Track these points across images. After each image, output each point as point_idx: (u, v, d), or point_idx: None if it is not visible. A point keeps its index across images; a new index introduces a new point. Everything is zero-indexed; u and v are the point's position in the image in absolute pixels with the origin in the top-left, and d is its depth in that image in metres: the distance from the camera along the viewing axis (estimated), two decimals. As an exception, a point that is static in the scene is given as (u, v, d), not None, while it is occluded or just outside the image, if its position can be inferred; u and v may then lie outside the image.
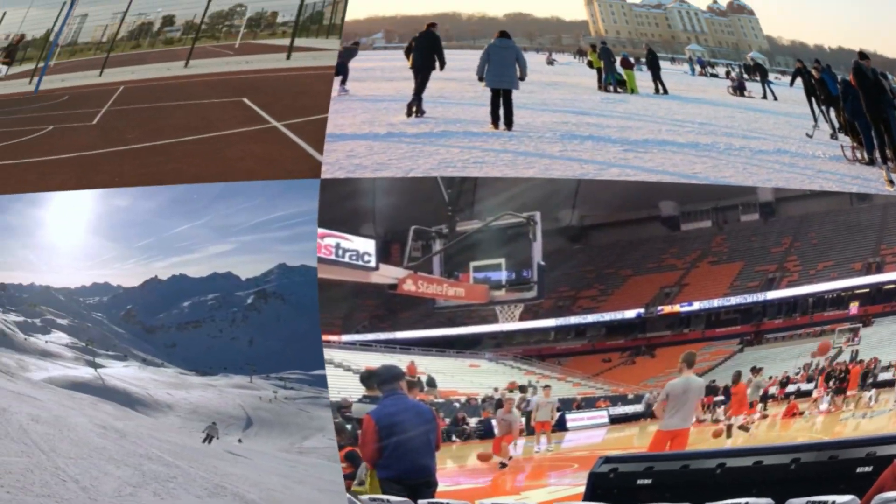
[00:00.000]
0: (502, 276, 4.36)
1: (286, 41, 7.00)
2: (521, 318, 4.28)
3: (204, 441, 4.97)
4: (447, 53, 5.91)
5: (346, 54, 6.57)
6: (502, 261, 4.42)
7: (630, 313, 5.00)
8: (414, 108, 5.82)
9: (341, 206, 4.68)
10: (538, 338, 4.98)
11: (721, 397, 4.29)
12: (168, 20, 7.63)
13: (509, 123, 5.54)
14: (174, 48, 7.52)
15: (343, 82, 6.23)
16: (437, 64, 5.76)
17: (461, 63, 6.12)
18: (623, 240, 5.52)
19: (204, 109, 6.97)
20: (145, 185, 5.77)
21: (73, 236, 5.86)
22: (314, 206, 4.55)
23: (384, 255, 4.48)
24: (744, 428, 4.25)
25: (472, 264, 4.48)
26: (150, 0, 7.41)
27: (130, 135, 6.46)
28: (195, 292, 5.92)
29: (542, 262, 4.36)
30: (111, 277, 5.94)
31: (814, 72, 5.52)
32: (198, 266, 5.81)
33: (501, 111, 5.53)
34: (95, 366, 5.80)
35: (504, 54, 5.67)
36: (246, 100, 6.76)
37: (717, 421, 4.38)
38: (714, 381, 4.55)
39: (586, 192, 5.17)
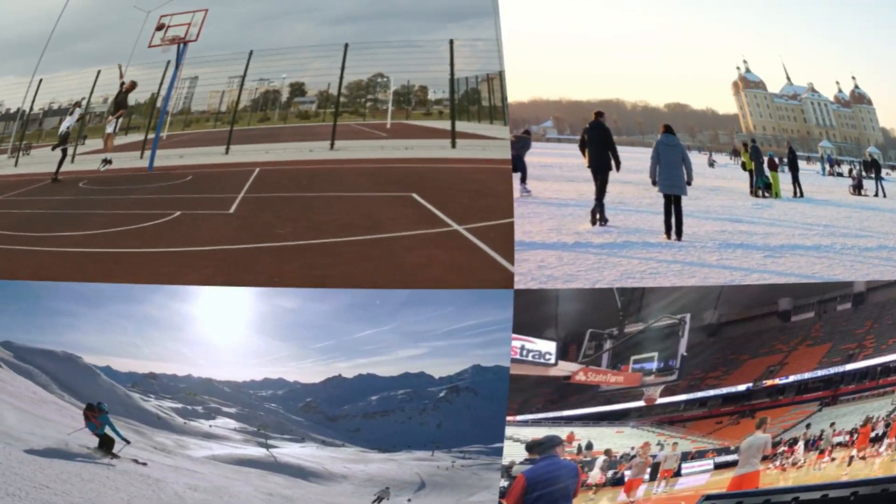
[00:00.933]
0: (653, 365, 7.55)
1: (444, 124, 9.35)
2: (661, 396, 7.75)
3: (374, 502, 7.42)
4: (620, 150, 8.84)
5: (520, 145, 9.10)
6: (655, 354, 7.54)
7: (741, 387, 8.77)
8: (597, 216, 8.72)
9: (529, 313, 7.14)
10: (671, 409, 8.64)
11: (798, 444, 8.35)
12: (297, 89, 9.78)
13: (680, 234, 8.59)
14: (311, 124, 9.67)
15: (523, 180, 9.07)
16: (613, 163, 8.65)
17: (634, 163, 9.13)
18: (747, 332, 9.02)
19: (367, 204, 8.85)
20: (312, 287, 7.62)
21: (233, 334, 7.82)
22: (508, 314, 7.02)
23: (562, 353, 7.27)
24: (862, 458, 7.91)
25: (633, 357, 7.59)
26: (271, 63, 9.73)
27: (282, 230, 8.38)
28: (384, 388, 8.19)
29: (685, 353, 7.48)
30: (286, 374, 8.04)
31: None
32: (387, 367, 8.02)
33: (673, 219, 8.54)
34: (268, 446, 8.09)
35: (672, 154, 8.69)
36: (416, 195, 8.82)
37: (795, 464, 8.32)
38: (782, 435, 8.50)
39: (727, 295, 8.40)
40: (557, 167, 9.87)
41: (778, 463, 8.58)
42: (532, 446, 6.00)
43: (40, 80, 10.16)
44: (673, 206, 8.70)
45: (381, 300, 7.45)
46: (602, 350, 7.58)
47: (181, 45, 9.84)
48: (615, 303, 7.60)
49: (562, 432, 8.24)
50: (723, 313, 8.97)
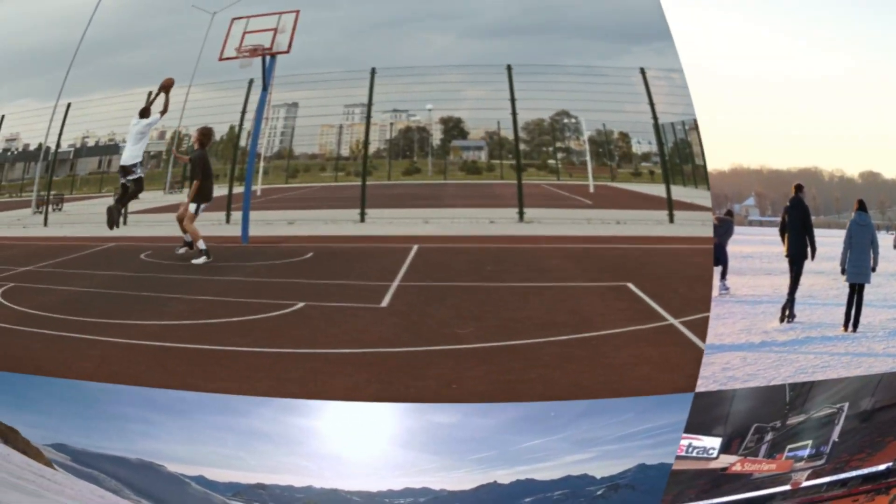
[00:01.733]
0: (806, 452, 10.01)
1: (657, 189, 10.20)
2: (807, 479, 10.16)
3: None
4: (816, 233, 12.16)
5: (723, 230, 12.33)
6: (810, 441, 9.99)
7: (881, 466, 11.06)
8: (787, 313, 12.40)
9: (703, 414, 9.38)
10: (813, 491, 10.62)
11: None
12: (454, 127, 10.40)
13: (857, 325, 12.10)
14: (485, 182, 10.39)
15: (723, 276, 12.49)
16: (809, 250, 12.30)
17: (828, 249, 12.58)
18: (894, 416, 11.00)
19: (574, 297, 9.93)
20: (497, 397, 8.72)
21: (371, 448, 9.14)
22: (684, 417, 9.22)
23: (725, 448, 9.67)
24: None
25: (788, 446, 10.02)
26: (405, 88, 10.25)
27: (463, 329, 9.29)
28: (542, 490, 9.67)
29: (837, 440, 9.92)
30: (432, 483, 9.39)
31: None
32: (549, 472, 9.65)
33: (853, 310, 11.93)
34: None
35: (862, 235, 12.32)
36: (631, 285, 10.05)
37: None
38: None
39: (886, 383, 10.69)
40: (758, 257, 13.66)
41: None
42: None
43: (68, 105, 11.06)
44: (855, 295, 12.31)
45: (557, 412, 9.11)
46: (763, 442, 10.01)
47: (267, 59, 10.54)
48: (784, 397, 10.16)
49: None
50: (878, 399, 11.32)
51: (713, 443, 9.65)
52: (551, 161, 10.70)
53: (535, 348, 9.34)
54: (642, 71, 10.52)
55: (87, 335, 9.68)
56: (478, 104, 10.74)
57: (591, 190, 10.86)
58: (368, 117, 10.57)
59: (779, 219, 12.61)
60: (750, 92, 11.67)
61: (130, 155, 10.83)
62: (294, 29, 10.53)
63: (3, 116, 11.22)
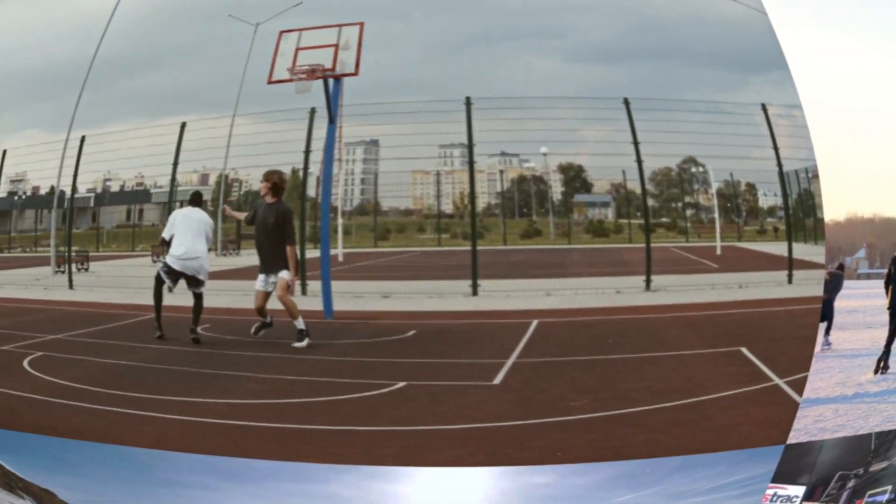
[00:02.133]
0: (885, 497, 11.61)
1: (779, 248, 11.52)
2: None
3: None
4: None
5: (833, 286, 15.05)
6: (889, 487, 11.67)
7: None
8: (881, 364, 15.42)
9: (791, 464, 11.44)
10: None
11: None
12: (575, 176, 10.73)
13: None
14: (613, 246, 10.88)
15: (827, 331, 15.08)
16: None
17: None
18: None
19: (689, 365, 11.86)
20: (599, 460, 10.25)
21: None
22: (773, 467, 11.20)
23: (808, 495, 11.56)
24: None
25: (869, 492, 11.86)
26: (507, 124, 10.40)
27: (577, 402, 10.54)
28: None
29: None
30: None
31: None
32: None
33: None
34: None
35: None
36: (744, 350, 12.34)
37: None
38: None
39: None
40: (861, 312, 15.40)
41: None
42: None
43: (82, 140, 11.49)
44: None
45: (652, 467, 10.53)
46: (845, 489, 11.64)
47: (330, 82, 10.59)
48: (869, 445, 12.01)
49: None
50: None
51: (797, 491, 11.31)
52: (680, 221, 12.04)
53: (645, 415, 11.13)
54: (764, 108, 11.93)
55: (138, 410, 10.63)
56: (598, 148, 11.77)
57: (718, 252, 12.35)
58: (471, 163, 11.08)
59: (885, 270, 14.74)
60: (865, 130, 12.62)
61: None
62: (360, 45, 10.75)
63: (4, 152, 11.83)
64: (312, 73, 10.29)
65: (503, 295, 11.40)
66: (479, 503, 10.51)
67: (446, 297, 11.35)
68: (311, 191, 10.73)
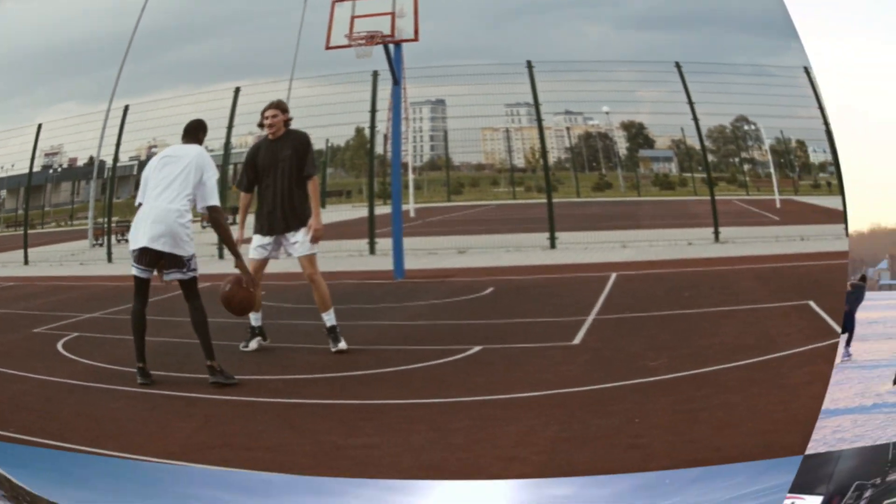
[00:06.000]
0: None
1: (834, 202, 9.70)
2: None
3: None
4: None
5: (854, 297, 11.51)
6: None
7: None
8: None
9: (809, 474, 8.75)
10: None
11: None
12: (637, 133, 9.51)
13: None
14: (680, 199, 9.60)
15: (848, 342, 11.63)
16: None
17: None
18: None
19: (761, 319, 9.60)
20: (677, 424, 8.01)
21: None
22: (791, 478, 8.49)
23: None
24: None
25: (885, 501, 9.23)
26: (568, 86, 9.11)
27: (655, 361, 8.53)
28: None
29: None
30: None
31: None
32: None
33: None
34: None
35: None
36: (812, 303, 9.83)
37: None
38: None
39: None
40: (881, 323, 12.07)
41: None
42: None
43: (125, 108, 9.01)
44: None
45: (671, 478, 8.18)
46: (861, 499, 9.25)
47: (391, 48, 8.96)
48: (887, 455, 9.54)
49: None
50: None
51: (814, 501, 8.91)
52: (739, 175, 9.98)
53: (721, 374, 8.70)
54: (807, 71, 9.77)
55: (185, 392, 8.10)
56: (656, 108, 9.87)
57: (778, 205, 10.34)
58: (539, 120, 9.31)
59: None
60: (890, 139, 10.97)
61: None
62: (416, 12, 9.02)
63: (40, 125, 9.34)
64: (371, 38, 8.80)
65: (581, 248, 9.52)
66: None
67: (524, 250, 9.49)
68: (379, 148, 8.98)
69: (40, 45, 8.95)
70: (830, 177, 10.06)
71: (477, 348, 8.59)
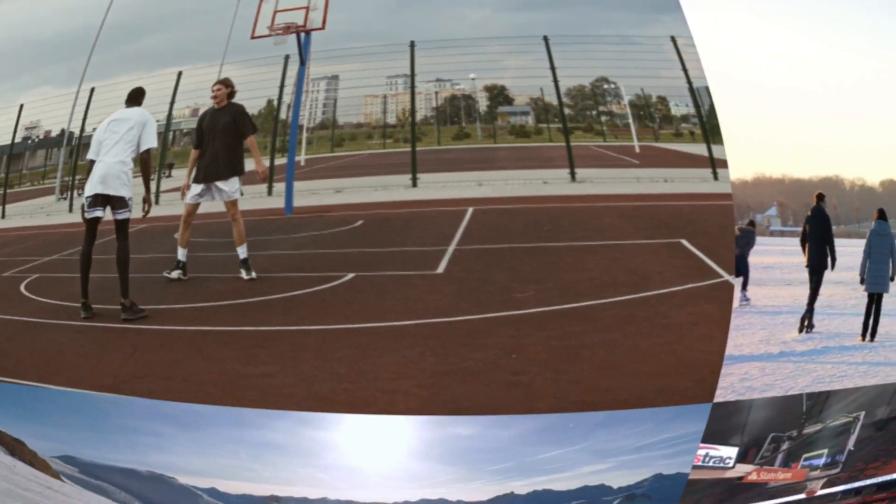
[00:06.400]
0: (822, 461, 9.38)
1: (699, 149, 9.77)
2: (821, 488, 9.53)
3: None
4: (836, 243, 11.03)
5: (745, 241, 11.25)
6: (826, 451, 9.33)
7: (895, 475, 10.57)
8: (805, 323, 11.13)
9: (721, 423, 8.79)
10: (828, 499, 10.11)
11: None
12: (498, 94, 9.92)
13: (874, 335, 10.96)
14: (535, 144, 9.87)
15: (744, 286, 11.27)
16: (830, 261, 11.04)
17: (849, 259, 11.41)
18: None
19: (630, 256, 9.49)
20: (557, 361, 8.13)
21: (387, 460, 8.54)
22: (702, 427, 8.64)
23: (742, 457, 8.99)
24: None
25: (804, 455, 9.40)
26: (446, 59, 9.76)
27: (522, 293, 8.72)
28: (557, 501, 9.22)
29: (853, 448, 9.27)
30: (448, 495, 8.92)
31: None
32: (566, 482, 9.24)
33: (871, 320, 10.97)
34: None
35: (882, 245, 11.28)
36: (685, 241, 9.58)
37: None
38: None
39: None
40: (778, 268, 12.10)
41: None
42: None
43: (92, 90, 10.18)
44: (874, 305, 11.40)
45: (575, 423, 8.74)
46: (779, 451, 9.54)
47: (302, 36, 10.07)
48: (801, 407, 9.65)
49: None
50: (894, 408, 10.96)
51: (730, 452, 9.15)
52: (597, 126, 10.33)
53: (596, 310, 8.86)
54: (673, 39, 10.13)
55: (118, 324, 8.86)
56: (519, 73, 10.32)
57: (637, 150, 10.54)
58: (413, 86, 10.10)
59: (800, 229, 11.80)
60: (772, 99, 11.21)
61: None
62: (327, 5, 10.04)
63: (21, 106, 10.31)
64: (288, 29, 9.83)
65: (439, 186, 10.00)
66: (404, 452, 8.73)
67: (390, 189, 10.09)
68: (283, 115, 9.98)
69: (24, 40, 9.95)
70: (694, 126, 9.99)
71: (351, 275, 8.96)
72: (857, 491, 10.49)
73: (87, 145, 9.93)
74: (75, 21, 10.13)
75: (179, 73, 9.91)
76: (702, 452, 8.89)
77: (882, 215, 11.56)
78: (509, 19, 10.19)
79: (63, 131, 10.07)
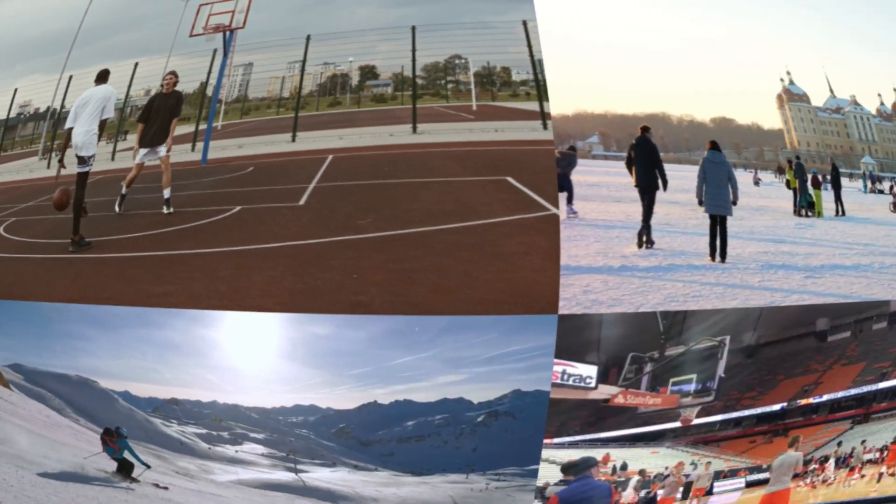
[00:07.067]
0: (692, 387, 9.13)
1: (533, 105, 10.54)
2: (697, 416, 9.38)
3: None
4: (667, 168, 10.41)
5: (566, 163, 10.82)
6: (694, 376, 9.09)
7: (776, 406, 10.35)
8: (644, 239, 10.29)
9: (572, 337, 8.39)
10: (706, 429, 10.12)
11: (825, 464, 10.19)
12: (368, 72, 11.22)
13: (724, 256, 10.21)
14: (389, 107, 11.13)
15: (569, 201, 10.63)
16: (660, 182, 10.24)
17: (682, 182, 10.77)
18: (784, 353, 10.36)
19: (458, 190, 10.08)
20: (394, 283, 8.49)
21: (262, 361, 8.86)
22: (551, 340, 8.32)
23: (603, 377, 8.62)
24: (892, 475, 9.53)
25: (672, 380, 9.10)
26: (334, 47, 11.09)
27: (362, 221, 9.40)
28: (421, 414, 9.60)
29: (723, 375, 9.07)
30: (318, 401, 9.25)
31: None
32: (426, 393, 9.34)
33: (718, 241, 9.95)
34: (296, 471, 9.55)
35: (718, 172, 10.51)
36: (511, 179, 10.11)
37: (825, 482, 10.01)
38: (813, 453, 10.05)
39: (766, 317, 9.74)
40: (605, 186, 11.51)
41: (808, 480, 10.13)
42: (567, 468, 7.44)
43: (70, 77, 11.62)
44: (718, 226, 10.49)
45: (421, 326, 8.69)
46: (642, 373, 9.21)
47: (228, 33, 11.62)
48: (657, 326, 9.30)
49: (598, 454, 9.97)
50: (761, 334, 10.51)
51: (589, 371, 8.67)
52: (443, 91, 11.11)
53: (428, 236, 8.88)
54: (524, 23, 10.69)
55: (66, 255, 9.50)
56: (388, 55, 11.41)
57: (474, 108, 11.12)
58: (303, 69, 11.41)
59: (624, 154, 11.18)
60: (604, 56, 11.39)
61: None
62: (248, 10, 11.45)
63: (16, 89, 11.94)
64: (217, 28, 11.58)
65: (311, 140, 11.24)
66: (274, 350, 8.87)
67: (275, 143, 11.43)
68: (209, 93, 11.67)
69: (18, 38, 11.76)
70: (531, 89, 10.55)
71: (238, 208, 9.83)
72: (737, 422, 10.18)
73: (65, 118, 12.04)
74: (59, 23, 11.69)
75: (136, 64, 11.34)
76: (559, 369, 8.43)
77: (715, 146, 10.79)
78: (390, 13, 11.25)
79: (48, 108, 11.57)
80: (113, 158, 11.68)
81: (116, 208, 10.78)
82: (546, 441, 9.67)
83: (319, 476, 9.84)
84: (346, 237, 9.35)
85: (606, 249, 10.53)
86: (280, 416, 9.78)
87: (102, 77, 11.11)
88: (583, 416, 10.38)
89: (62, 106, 12.00)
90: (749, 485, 10.66)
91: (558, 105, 10.36)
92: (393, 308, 8.64)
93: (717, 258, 10.56)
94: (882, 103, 12.19)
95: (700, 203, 10.83)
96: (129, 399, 9.58)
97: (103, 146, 11.50)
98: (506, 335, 8.97)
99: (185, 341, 9.20)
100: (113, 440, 9.13)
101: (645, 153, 10.78)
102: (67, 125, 10.94)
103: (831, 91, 12.37)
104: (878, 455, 10.38)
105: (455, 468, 9.94)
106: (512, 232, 9.19)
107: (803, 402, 11.18)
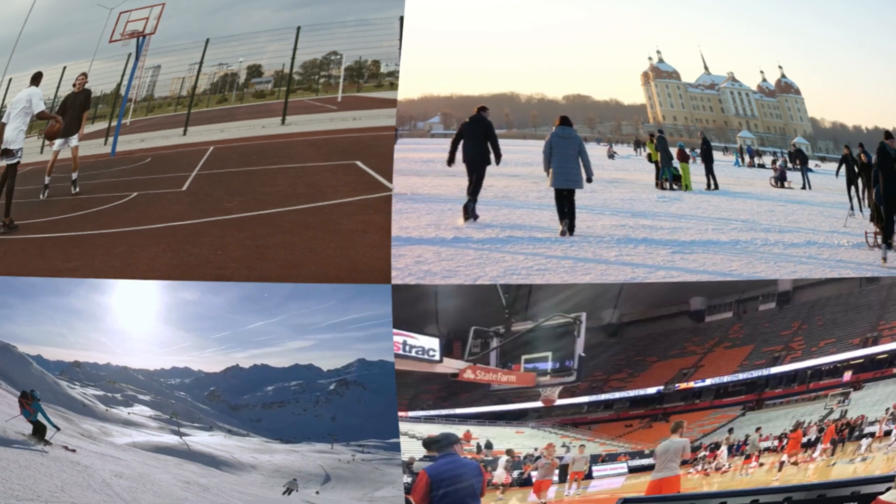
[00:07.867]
0: (548, 366, 8.46)
1: (395, 94, 10.93)
2: (560, 397, 8.51)
3: (284, 493, 9.40)
4: (507, 143, 10.11)
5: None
6: (549, 354, 8.47)
7: (651, 390, 9.89)
8: (469, 212, 10.07)
9: (408, 308, 8.36)
10: (573, 411, 9.83)
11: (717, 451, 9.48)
12: (254, 70, 11.86)
13: (572, 229, 9.75)
14: (266, 102, 11.77)
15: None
16: (493, 156, 10.05)
17: (523, 156, 10.71)
18: (653, 333, 10.02)
19: (311, 174, 10.82)
20: (248, 259, 9.10)
21: (145, 324, 9.55)
22: (388, 309, 8.42)
23: (447, 351, 8.24)
24: (794, 464, 8.92)
25: (524, 357, 8.45)
26: (230, 49, 11.76)
27: (230, 203, 10.23)
28: (278, 379, 10.26)
29: (583, 354, 8.38)
30: (191, 363, 9.89)
31: (862, 157, 9.78)
32: (279, 358, 9.97)
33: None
34: (180, 434, 10.00)
35: (567, 146, 10.02)
36: (359, 163, 10.70)
37: (719, 469, 9.34)
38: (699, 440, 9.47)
39: (628, 293, 9.35)
40: (440, 163, 10.94)
41: (700, 468, 9.69)
42: (429, 443, 7.16)
43: (10, 80, 12.50)
44: (566, 200, 9.93)
45: (269, 293, 9.20)
46: (489, 348, 8.60)
47: (140, 39, 12.34)
48: (499, 300, 8.76)
49: (457, 430, 10.03)
50: (624, 312, 10.23)
51: (431, 343, 8.27)
52: (315, 86, 11.55)
53: (279, 216, 9.58)
54: (401, 18, 11.07)
55: (22, 235, 10.22)
56: (274, 55, 11.97)
57: (339, 99, 11.59)
58: (199, 71, 12.03)
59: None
60: (454, 41, 11.56)
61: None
62: (160, 17, 12.04)
63: None
64: (132, 34, 12.33)
65: (198, 133, 11.97)
66: (153, 314, 9.75)
67: (170, 137, 12.11)
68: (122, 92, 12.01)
69: None
70: (394, 79, 10.82)
71: (135, 194, 10.73)
72: (609, 405, 10.00)
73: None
74: (2, 30, 12.31)
75: (64, 68, 12.07)
76: (399, 340, 8.20)
77: (565, 121, 10.40)
78: (283, 15, 11.71)
79: (-6, 107, 11.42)
80: (42, 151, 12.49)
81: (41, 196, 11.65)
82: (401, 414, 9.65)
83: (200, 440, 10.20)
84: (215, 218, 9.95)
85: (439, 221, 10.25)
86: (161, 379, 10.52)
87: (36, 79, 12.07)
88: (434, 390, 10.37)
89: (2, 106, 12.85)
90: (633, 470, 10.28)
91: (406, 90, 10.69)
92: (248, 281, 9.12)
93: (566, 231, 9.99)
94: (764, 80, 11.58)
95: (548, 175, 10.02)
96: (41, 363, 9.98)
97: (34, 140, 12.39)
98: (344, 303, 9.19)
99: (86, 307, 9.71)
100: (28, 403, 9.37)
101: (478, 129, 10.39)
102: (3, 120, 11.90)
103: (706, 68, 11.60)
104: (776, 443, 9.76)
105: (319, 437, 10.42)
106: (353, 211, 9.58)
107: (683, 386, 10.66)
